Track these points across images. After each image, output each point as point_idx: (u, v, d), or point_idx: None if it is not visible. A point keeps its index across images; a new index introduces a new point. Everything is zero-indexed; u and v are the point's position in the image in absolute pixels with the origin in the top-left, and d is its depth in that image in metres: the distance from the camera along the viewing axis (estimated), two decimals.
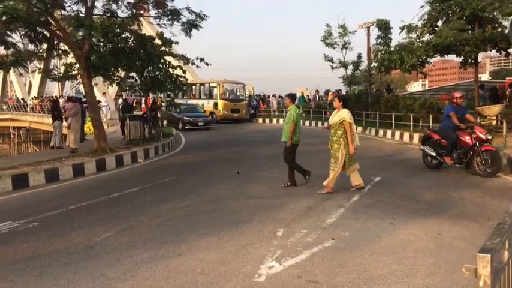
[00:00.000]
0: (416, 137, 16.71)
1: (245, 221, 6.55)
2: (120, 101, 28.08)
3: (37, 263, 5.08)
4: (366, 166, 11.72)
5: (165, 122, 25.38)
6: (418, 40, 18.26)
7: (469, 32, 16.50)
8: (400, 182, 9.47)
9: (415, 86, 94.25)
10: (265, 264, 4.74)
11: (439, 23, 17.96)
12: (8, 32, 12.72)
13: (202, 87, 31.64)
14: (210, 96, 30.52)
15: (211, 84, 30.60)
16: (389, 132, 19.21)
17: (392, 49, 19.88)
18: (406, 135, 17.58)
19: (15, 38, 13.46)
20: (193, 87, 31.46)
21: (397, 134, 18.37)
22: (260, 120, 31.83)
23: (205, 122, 25.78)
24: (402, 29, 18.27)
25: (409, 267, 4.62)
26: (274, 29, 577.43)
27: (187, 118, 25.36)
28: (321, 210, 7.02)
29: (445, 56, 19.52)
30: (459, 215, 6.72)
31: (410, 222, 6.28)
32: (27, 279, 4.61)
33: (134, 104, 34.86)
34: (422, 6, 17.95)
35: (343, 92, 29.38)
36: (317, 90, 34.95)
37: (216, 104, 29.41)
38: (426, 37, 18.11)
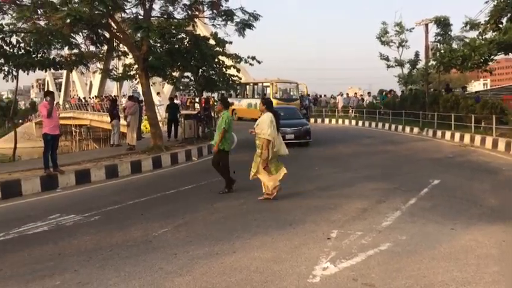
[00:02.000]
0: (478, 138, 15.96)
1: (299, 221, 6.52)
2: (177, 101, 28.18)
3: (99, 255, 5.31)
4: (424, 168, 11.37)
5: None
6: (480, 37, 17.44)
7: None
8: (461, 185, 9.07)
9: (476, 86, 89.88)
10: (320, 265, 4.69)
11: (503, 20, 17.06)
12: (71, 34, 13.40)
13: (255, 86, 31.81)
14: (263, 95, 30.58)
15: (265, 84, 30.67)
16: (448, 134, 18.48)
17: (453, 46, 19.13)
18: (467, 136, 16.82)
19: (78, 40, 14.21)
20: (247, 86, 31.70)
21: (457, 135, 17.63)
22: (312, 120, 31.49)
23: (297, 134, 16.49)
24: (466, 24, 17.55)
25: (471, 275, 4.41)
26: (322, 27, 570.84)
27: None
28: (376, 213, 6.86)
29: (510, 54, 18.49)
30: None
31: (472, 228, 6.00)
32: (90, 270, 4.82)
33: (188, 104, 35.65)
34: (487, 2, 17.16)
35: (399, 93, 28.57)
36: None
37: None
38: (489, 34, 17.27)
